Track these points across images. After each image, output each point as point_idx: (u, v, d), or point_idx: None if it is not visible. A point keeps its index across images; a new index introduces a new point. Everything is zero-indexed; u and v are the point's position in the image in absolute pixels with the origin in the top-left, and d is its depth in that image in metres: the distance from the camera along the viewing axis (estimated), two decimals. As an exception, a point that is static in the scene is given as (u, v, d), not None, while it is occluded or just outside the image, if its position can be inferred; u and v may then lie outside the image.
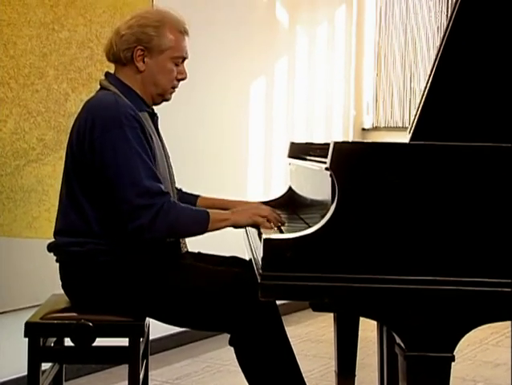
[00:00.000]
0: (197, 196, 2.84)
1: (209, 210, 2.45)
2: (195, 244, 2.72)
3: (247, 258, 2.62)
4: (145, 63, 2.51)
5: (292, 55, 5.29)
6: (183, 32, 2.56)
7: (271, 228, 2.44)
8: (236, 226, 2.49)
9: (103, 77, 2.60)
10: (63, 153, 2.55)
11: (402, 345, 1.91)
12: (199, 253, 2.73)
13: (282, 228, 2.46)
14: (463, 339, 1.92)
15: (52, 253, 2.53)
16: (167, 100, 2.61)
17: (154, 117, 2.62)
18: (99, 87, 2.57)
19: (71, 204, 2.46)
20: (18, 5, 3.23)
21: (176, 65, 2.55)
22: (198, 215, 2.42)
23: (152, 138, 2.47)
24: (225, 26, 4.57)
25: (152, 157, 2.41)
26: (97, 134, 2.37)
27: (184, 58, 2.57)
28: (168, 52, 2.52)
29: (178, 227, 2.39)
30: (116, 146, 2.36)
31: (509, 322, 2.81)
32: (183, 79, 2.59)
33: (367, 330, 3.26)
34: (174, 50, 2.52)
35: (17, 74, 3.25)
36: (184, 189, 2.85)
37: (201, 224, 2.40)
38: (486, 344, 4.39)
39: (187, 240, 2.65)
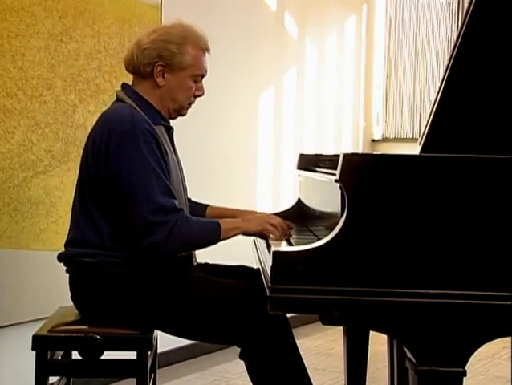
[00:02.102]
0: (206, 206, 2.84)
1: (219, 220, 2.45)
2: (202, 254, 2.70)
3: (255, 267, 2.61)
4: (165, 79, 2.51)
5: (301, 66, 5.28)
6: (204, 49, 2.56)
7: (280, 238, 2.43)
8: (246, 234, 2.49)
9: (119, 88, 2.59)
10: (71, 165, 2.54)
11: (413, 359, 1.89)
12: (206, 264, 2.72)
13: (292, 240, 2.44)
14: (475, 354, 1.89)
15: (62, 264, 2.52)
16: (182, 115, 2.62)
17: (170, 130, 2.61)
18: (110, 98, 2.57)
19: (83, 215, 2.45)
20: (26, 16, 3.23)
21: (195, 82, 2.55)
22: (210, 226, 2.43)
23: (167, 152, 2.47)
24: (234, 38, 4.57)
25: (166, 172, 2.41)
26: (112, 147, 2.37)
27: (203, 76, 2.57)
28: (189, 70, 2.51)
29: (192, 241, 2.40)
30: (131, 161, 2.35)
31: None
32: (200, 96, 2.59)
33: (378, 343, 3.23)
34: (195, 68, 2.52)
35: (25, 85, 3.24)
36: (193, 199, 2.83)
37: (214, 236, 2.41)
38: (498, 358, 4.35)
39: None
